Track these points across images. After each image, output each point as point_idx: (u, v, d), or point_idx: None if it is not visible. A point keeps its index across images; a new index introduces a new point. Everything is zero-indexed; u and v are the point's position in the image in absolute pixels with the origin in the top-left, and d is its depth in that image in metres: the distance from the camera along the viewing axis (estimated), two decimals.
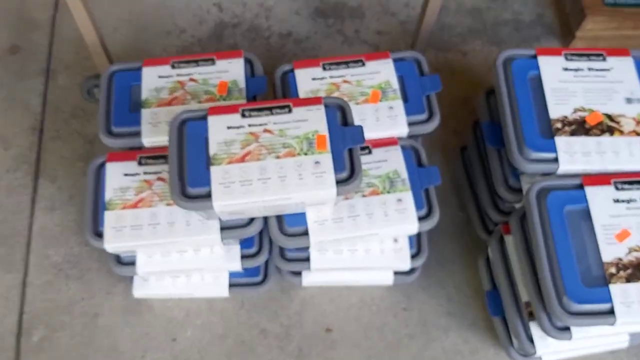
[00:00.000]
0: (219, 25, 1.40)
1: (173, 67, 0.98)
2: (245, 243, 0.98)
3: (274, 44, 1.39)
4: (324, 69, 1.00)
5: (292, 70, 1.00)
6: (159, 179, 0.91)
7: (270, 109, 0.85)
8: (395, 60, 1.01)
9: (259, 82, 0.97)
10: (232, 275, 1.05)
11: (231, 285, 1.05)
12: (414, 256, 0.99)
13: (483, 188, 1.11)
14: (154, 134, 0.93)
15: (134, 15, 1.41)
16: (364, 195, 0.91)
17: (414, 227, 0.91)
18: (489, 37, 1.43)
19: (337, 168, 0.82)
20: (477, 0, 1.47)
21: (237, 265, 0.97)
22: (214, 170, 0.81)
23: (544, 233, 0.89)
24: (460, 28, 1.43)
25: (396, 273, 1.06)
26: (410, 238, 0.99)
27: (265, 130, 0.83)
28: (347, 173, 0.82)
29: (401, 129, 0.96)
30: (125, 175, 0.92)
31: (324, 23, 1.42)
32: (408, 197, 0.91)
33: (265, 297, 1.12)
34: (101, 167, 0.94)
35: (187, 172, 0.82)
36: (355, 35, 1.41)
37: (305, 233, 0.90)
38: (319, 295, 1.13)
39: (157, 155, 0.93)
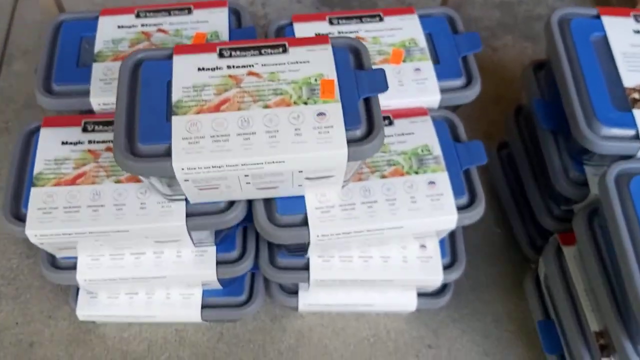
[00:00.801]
0: None
1: (138, 16, 0.77)
2: (223, 245, 0.74)
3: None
4: (332, 23, 0.78)
5: (290, 25, 0.78)
6: (108, 149, 0.68)
7: (258, 48, 0.62)
8: (422, 17, 0.79)
9: (247, 34, 0.75)
10: (208, 293, 0.80)
11: (205, 307, 0.80)
12: (447, 267, 0.74)
13: (532, 189, 0.88)
14: (106, 93, 0.70)
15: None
16: (383, 176, 0.68)
17: (451, 218, 0.66)
18: (521, 32, 1.23)
19: (349, 122, 0.58)
20: None
21: (211, 273, 0.72)
22: (177, 121, 0.58)
23: (630, 232, 0.64)
24: (488, 21, 1.23)
25: (420, 295, 0.82)
26: (442, 244, 0.75)
27: (251, 73, 0.61)
28: (363, 129, 0.59)
29: (431, 96, 0.73)
30: (64, 143, 0.69)
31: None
32: (443, 179, 0.67)
33: (250, 327, 0.88)
34: (34, 134, 0.71)
35: (139, 123, 0.59)
36: None
37: (304, 223, 0.66)
38: (320, 326, 0.88)
39: (108, 121, 0.70)
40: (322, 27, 0.77)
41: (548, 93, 0.83)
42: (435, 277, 0.73)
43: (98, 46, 0.74)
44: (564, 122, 0.75)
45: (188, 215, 0.65)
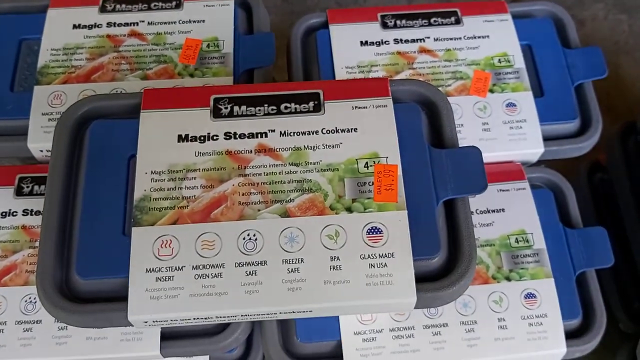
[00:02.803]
0: None
1: (103, 9, 0.53)
2: None
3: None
4: (385, 25, 0.53)
5: (324, 25, 0.54)
6: None
7: (275, 100, 0.39)
8: (516, 17, 0.54)
9: (261, 44, 0.51)
10: None
11: None
12: None
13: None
14: (52, 135, 0.47)
15: None
16: None
17: (556, 353, 0.45)
18: (615, 0, 0.95)
19: (420, 248, 0.35)
20: None
21: None
22: (139, 238, 0.35)
23: None
24: None
25: None
26: None
27: (262, 149, 0.37)
28: (443, 259, 0.36)
29: (530, 148, 0.49)
30: None
31: None
32: (548, 290, 0.45)
33: None
34: None
35: (79, 239, 0.36)
36: None
37: (336, 355, 0.44)
38: None
39: None
40: (371, 31, 0.53)
41: None
42: None
43: (43, 57, 0.50)
44: None
45: (165, 338, 0.44)
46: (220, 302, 0.34)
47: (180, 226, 0.36)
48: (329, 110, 0.39)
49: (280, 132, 0.38)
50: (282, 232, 0.35)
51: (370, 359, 0.43)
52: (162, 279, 0.34)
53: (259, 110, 0.39)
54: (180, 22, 0.52)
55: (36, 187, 0.48)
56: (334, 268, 0.35)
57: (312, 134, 0.38)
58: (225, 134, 0.38)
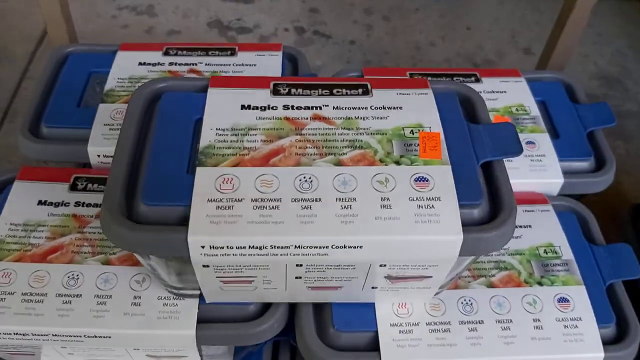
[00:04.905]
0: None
1: (166, 53, 0.60)
2: None
3: None
4: None
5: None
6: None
7: (330, 87, 0.44)
8: (530, 82, 0.61)
9: None
10: None
11: None
12: None
13: None
14: (110, 142, 0.52)
15: None
16: (491, 285, 0.46)
17: (595, 356, 0.44)
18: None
19: (465, 195, 0.38)
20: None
21: None
22: (203, 174, 0.38)
23: None
24: None
25: None
26: None
27: (317, 118, 0.42)
28: (485, 209, 0.39)
29: (551, 178, 0.53)
30: (42, 203, 0.49)
31: None
32: (580, 295, 0.46)
33: None
34: (5, 187, 0.52)
35: (147, 174, 0.39)
36: None
37: (372, 347, 0.44)
38: None
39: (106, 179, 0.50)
40: None
41: None
42: None
43: (110, 83, 0.56)
44: None
45: (201, 320, 0.44)
46: (276, 229, 0.36)
47: (241, 168, 0.38)
48: (376, 94, 0.43)
49: (333, 107, 0.42)
50: (335, 176, 0.38)
51: (407, 350, 0.43)
52: (222, 208, 0.36)
53: (314, 92, 0.43)
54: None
55: (90, 185, 0.51)
56: (384, 207, 0.37)
57: (362, 109, 0.42)
58: (284, 105, 0.42)
